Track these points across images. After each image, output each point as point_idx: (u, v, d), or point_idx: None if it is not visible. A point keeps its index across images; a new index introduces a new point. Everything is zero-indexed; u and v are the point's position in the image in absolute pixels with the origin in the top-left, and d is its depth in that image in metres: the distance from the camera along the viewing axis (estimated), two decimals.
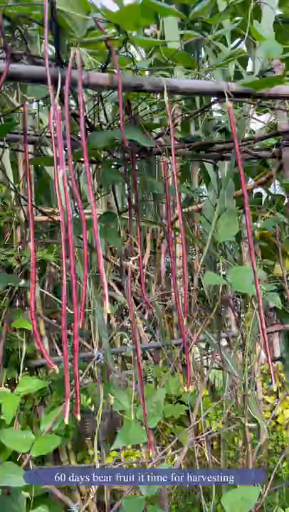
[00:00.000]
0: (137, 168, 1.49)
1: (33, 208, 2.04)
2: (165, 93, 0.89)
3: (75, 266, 0.75)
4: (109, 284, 2.56)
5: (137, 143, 0.95)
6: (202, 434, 1.25)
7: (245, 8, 1.01)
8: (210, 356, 2.77)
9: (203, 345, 2.84)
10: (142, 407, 0.95)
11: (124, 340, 2.52)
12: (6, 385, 2.14)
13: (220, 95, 1.01)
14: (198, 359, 2.85)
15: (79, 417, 0.73)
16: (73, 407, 0.94)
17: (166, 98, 0.89)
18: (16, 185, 1.81)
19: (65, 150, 0.79)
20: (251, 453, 1.21)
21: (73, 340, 0.74)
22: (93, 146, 0.95)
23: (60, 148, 0.70)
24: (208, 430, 2.20)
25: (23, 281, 1.01)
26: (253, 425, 1.22)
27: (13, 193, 1.96)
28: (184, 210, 2.14)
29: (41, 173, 2.46)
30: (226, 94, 0.95)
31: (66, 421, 0.70)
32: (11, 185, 1.37)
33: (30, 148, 1.37)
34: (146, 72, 1.09)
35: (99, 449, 2.10)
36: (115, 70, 0.86)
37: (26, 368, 1.91)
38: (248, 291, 1.06)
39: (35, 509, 0.96)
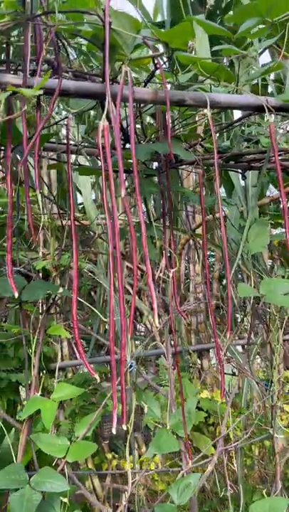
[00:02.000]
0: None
1: (58, 214, 2.07)
2: (208, 108, 0.91)
3: (122, 278, 0.76)
4: (125, 287, 2.58)
5: (177, 156, 0.97)
6: (230, 443, 1.25)
7: (280, 25, 1.02)
8: (227, 363, 2.77)
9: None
10: (182, 414, 0.96)
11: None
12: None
13: (258, 109, 1.02)
14: (215, 365, 2.86)
15: (125, 427, 0.75)
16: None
17: (208, 113, 0.91)
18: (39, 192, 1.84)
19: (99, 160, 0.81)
20: (279, 464, 1.21)
21: (120, 351, 0.75)
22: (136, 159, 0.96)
23: (121, 168, 0.72)
24: (229, 438, 2.20)
25: (61, 289, 1.03)
26: (282, 436, 1.22)
27: (39, 198, 1.99)
28: (206, 218, 2.15)
29: (63, 178, 2.49)
30: (266, 109, 0.96)
31: (114, 431, 0.71)
32: (41, 192, 1.39)
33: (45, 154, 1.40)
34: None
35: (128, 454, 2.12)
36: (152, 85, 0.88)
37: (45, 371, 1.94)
38: (281, 303, 1.07)
39: None
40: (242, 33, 0.84)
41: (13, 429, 1.90)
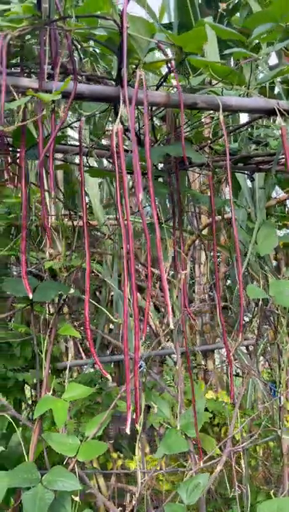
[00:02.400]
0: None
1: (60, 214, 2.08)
2: (220, 111, 0.92)
3: (135, 282, 0.77)
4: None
5: (188, 158, 0.97)
6: (238, 444, 1.26)
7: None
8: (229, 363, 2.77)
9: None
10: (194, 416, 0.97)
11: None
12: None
13: (269, 113, 1.03)
14: (219, 366, 2.86)
15: (139, 426, 0.76)
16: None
17: (221, 117, 0.91)
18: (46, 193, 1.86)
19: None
20: (287, 465, 1.22)
21: (134, 353, 0.76)
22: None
23: (138, 171, 0.73)
24: (234, 439, 2.21)
25: (72, 290, 1.04)
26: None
27: (47, 199, 2.01)
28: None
29: (69, 179, 2.50)
30: (277, 112, 0.97)
31: (128, 431, 0.72)
32: (51, 194, 1.40)
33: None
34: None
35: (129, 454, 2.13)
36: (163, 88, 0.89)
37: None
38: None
39: None
40: (256, 37, 0.85)
41: (20, 428, 1.92)
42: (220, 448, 1.71)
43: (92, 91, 0.84)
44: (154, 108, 1.11)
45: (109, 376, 0.88)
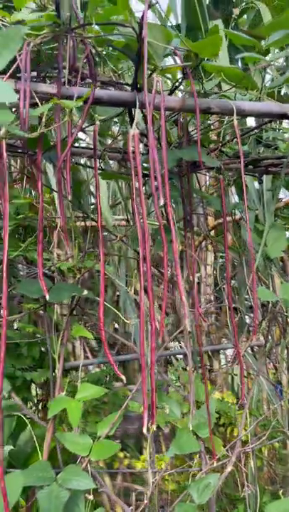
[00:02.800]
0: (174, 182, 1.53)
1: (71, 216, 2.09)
2: (234, 116, 0.93)
3: (152, 286, 0.79)
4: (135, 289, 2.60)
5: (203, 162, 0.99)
6: (247, 445, 1.27)
7: None
8: (236, 364, 2.78)
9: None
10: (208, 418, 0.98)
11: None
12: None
13: (282, 117, 1.04)
14: (224, 366, 2.87)
15: (154, 427, 0.77)
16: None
17: (235, 121, 0.93)
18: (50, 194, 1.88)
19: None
20: None
21: (150, 354, 0.78)
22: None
23: (162, 176, 0.74)
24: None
25: (86, 292, 1.05)
26: None
27: (56, 200, 2.02)
28: (219, 221, 2.17)
29: (75, 180, 2.51)
30: None
31: (145, 430, 0.74)
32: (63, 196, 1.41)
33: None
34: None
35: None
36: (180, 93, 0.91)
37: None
38: None
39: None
40: (272, 44, 0.86)
41: (28, 426, 1.94)
42: (226, 449, 1.73)
43: (111, 96, 0.86)
44: (166, 113, 1.13)
45: (123, 376, 0.89)
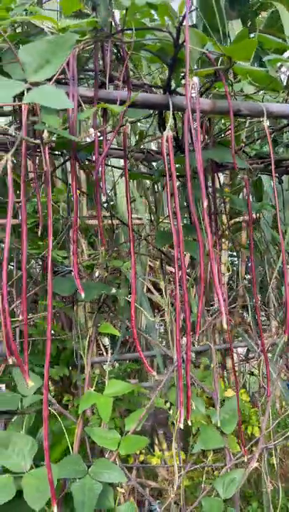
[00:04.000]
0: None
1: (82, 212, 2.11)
2: (264, 117, 0.94)
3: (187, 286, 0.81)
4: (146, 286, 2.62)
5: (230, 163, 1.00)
6: (270, 441, 1.29)
7: None
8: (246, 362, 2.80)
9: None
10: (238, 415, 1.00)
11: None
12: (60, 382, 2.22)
13: None
14: (237, 364, 2.89)
15: (190, 422, 0.79)
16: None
17: (265, 124, 0.94)
18: (70, 195, 1.91)
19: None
20: None
21: (186, 350, 0.80)
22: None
23: (202, 177, 0.76)
24: (254, 437, 2.23)
25: (114, 290, 1.07)
26: None
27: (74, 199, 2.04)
28: (236, 220, 2.18)
29: (90, 179, 2.54)
30: None
31: (181, 426, 0.76)
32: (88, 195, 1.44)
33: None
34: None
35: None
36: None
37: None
38: None
39: (122, 505, 1.02)
40: None
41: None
42: (251, 446, 1.76)
43: (145, 99, 0.88)
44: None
45: (154, 372, 0.91)
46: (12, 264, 2.42)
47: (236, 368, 2.84)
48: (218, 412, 1.10)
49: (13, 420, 1.11)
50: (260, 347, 1.58)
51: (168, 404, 1.39)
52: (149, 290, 2.66)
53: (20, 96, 0.66)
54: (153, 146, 1.84)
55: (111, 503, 1.00)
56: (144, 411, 1.11)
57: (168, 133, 0.85)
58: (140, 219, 2.01)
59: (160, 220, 1.42)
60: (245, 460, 1.10)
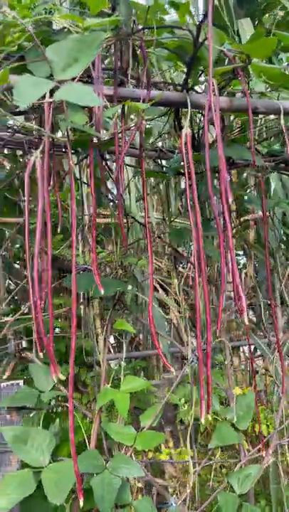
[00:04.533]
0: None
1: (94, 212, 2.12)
2: (281, 115, 0.95)
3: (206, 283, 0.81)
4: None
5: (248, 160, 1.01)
6: (284, 438, 1.30)
7: None
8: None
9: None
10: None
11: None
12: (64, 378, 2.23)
13: None
14: (243, 363, 2.90)
15: (210, 417, 0.80)
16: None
17: (282, 121, 0.95)
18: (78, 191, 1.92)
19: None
20: None
21: (206, 347, 0.81)
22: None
23: (224, 175, 0.77)
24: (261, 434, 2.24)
25: (130, 287, 1.08)
26: None
27: (85, 197, 2.06)
28: (246, 218, 2.19)
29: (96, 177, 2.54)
30: None
31: (203, 421, 0.77)
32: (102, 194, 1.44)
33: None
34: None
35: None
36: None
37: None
38: None
39: (138, 500, 1.03)
40: None
41: (57, 419, 1.98)
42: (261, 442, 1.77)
43: (163, 97, 0.88)
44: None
45: (172, 369, 0.92)
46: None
47: (242, 367, 2.85)
48: (235, 408, 1.10)
49: (31, 415, 1.11)
50: (273, 344, 1.58)
51: (182, 401, 1.39)
52: (155, 288, 2.67)
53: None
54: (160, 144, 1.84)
55: (128, 498, 1.01)
56: (160, 407, 1.12)
57: (187, 130, 0.86)
58: (148, 217, 2.01)
59: (172, 218, 1.42)
60: (263, 455, 1.11)
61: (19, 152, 2.09)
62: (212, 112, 0.77)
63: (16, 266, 2.42)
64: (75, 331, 0.70)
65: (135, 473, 0.96)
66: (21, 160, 2.09)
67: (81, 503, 0.68)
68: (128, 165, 1.36)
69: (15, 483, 0.90)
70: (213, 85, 0.83)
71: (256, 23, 2.43)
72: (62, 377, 0.63)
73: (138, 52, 1.01)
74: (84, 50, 0.60)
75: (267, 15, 2.52)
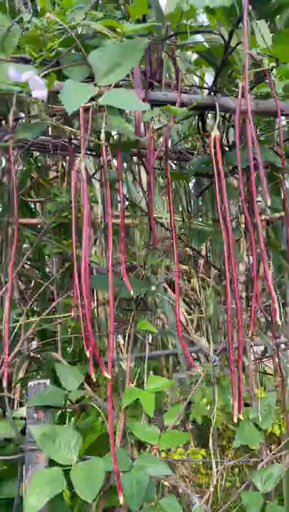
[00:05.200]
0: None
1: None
2: None
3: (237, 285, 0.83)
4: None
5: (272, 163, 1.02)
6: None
7: None
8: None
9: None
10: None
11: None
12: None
13: None
14: (253, 363, 2.90)
15: (241, 417, 0.81)
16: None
17: None
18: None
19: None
20: None
21: (238, 350, 0.82)
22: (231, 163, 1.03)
23: (263, 178, 0.78)
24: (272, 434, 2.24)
25: (154, 287, 1.09)
26: None
27: (99, 200, 2.08)
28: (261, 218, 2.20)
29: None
30: None
31: (235, 419, 0.78)
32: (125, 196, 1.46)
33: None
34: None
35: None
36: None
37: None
38: None
39: (164, 498, 1.04)
40: None
41: (72, 418, 2.00)
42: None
43: (192, 100, 0.89)
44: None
45: (200, 370, 0.93)
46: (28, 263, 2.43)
47: (253, 367, 2.85)
48: (259, 407, 1.11)
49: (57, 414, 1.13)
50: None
51: (204, 400, 1.41)
52: (165, 289, 2.68)
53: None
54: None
55: (154, 496, 1.02)
56: (183, 405, 1.13)
57: (216, 133, 0.87)
58: (160, 218, 2.03)
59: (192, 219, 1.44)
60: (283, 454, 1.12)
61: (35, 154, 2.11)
62: (248, 114, 0.78)
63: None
64: (112, 330, 0.71)
65: (161, 471, 0.97)
66: (33, 161, 2.11)
67: (121, 501, 0.69)
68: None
69: (45, 481, 0.91)
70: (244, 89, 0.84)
71: (268, 23, 2.44)
72: (108, 376, 0.64)
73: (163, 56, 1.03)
74: (127, 55, 0.62)
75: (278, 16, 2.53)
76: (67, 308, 2.16)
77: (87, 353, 0.63)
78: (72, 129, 0.64)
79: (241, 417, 0.80)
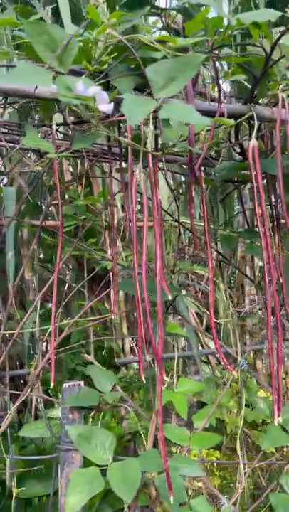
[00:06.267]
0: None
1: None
2: None
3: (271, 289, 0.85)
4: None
5: None
6: None
7: None
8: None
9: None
10: None
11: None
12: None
13: None
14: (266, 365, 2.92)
15: (281, 419, 0.83)
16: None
17: None
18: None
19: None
20: None
21: (277, 354, 0.84)
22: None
23: None
24: None
25: (184, 292, 1.12)
26: None
27: (118, 202, 2.10)
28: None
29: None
30: None
31: (276, 421, 0.80)
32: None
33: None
34: None
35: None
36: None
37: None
38: None
39: (194, 499, 1.07)
40: None
41: (90, 420, 2.02)
42: None
43: (230, 109, 0.92)
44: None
45: (235, 372, 0.95)
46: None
47: (264, 370, 2.87)
48: (287, 410, 1.13)
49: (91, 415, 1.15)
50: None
51: (231, 403, 1.43)
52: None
53: None
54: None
55: (185, 497, 1.04)
56: (213, 407, 1.15)
57: (254, 142, 0.89)
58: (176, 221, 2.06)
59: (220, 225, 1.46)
60: None
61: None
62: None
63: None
64: (162, 334, 0.73)
65: (194, 472, 1.00)
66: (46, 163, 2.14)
67: (171, 500, 0.71)
68: (176, 172, 1.39)
69: (84, 481, 0.93)
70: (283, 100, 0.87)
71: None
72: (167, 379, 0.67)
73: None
74: (183, 70, 0.64)
75: None
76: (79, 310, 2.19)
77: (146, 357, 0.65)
78: (127, 140, 0.67)
79: (281, 419, 0.83)
